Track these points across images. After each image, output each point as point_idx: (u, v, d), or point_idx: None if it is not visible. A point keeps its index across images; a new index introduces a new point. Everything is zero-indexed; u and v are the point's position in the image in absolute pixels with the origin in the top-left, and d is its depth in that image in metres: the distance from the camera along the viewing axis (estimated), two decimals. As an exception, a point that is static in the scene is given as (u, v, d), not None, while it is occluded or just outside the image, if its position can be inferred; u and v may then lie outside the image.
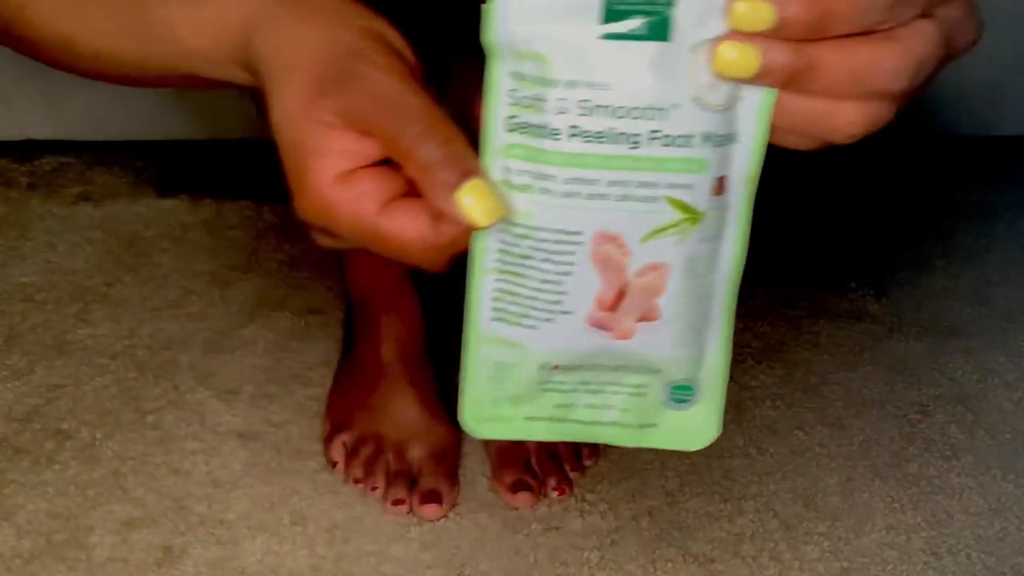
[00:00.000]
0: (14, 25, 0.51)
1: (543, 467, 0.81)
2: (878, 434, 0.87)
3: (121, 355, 0.90)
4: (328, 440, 0.83)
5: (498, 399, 0.42)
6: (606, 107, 0.36)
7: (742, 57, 0.35)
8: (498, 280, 0.40)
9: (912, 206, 1.11)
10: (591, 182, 0.37)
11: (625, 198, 0.37)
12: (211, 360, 0.90)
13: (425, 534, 0.78)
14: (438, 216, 0.37)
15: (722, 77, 0.35)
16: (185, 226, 1.04)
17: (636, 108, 0.36)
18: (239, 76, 0.43)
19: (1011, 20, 1.02)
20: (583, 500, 0.81)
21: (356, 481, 0.80)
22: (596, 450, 0.84)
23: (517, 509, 0.80)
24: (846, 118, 0.37)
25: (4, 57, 1.00)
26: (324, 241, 0.42)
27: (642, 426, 0.43)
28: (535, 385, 0.42)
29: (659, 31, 0.35)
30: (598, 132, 0.36)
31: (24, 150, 1.11)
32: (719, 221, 0.39)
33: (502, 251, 0.39)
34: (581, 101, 0.36)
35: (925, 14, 0.37)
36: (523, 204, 0.38)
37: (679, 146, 0.36)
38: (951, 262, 1.04)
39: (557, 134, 0.36)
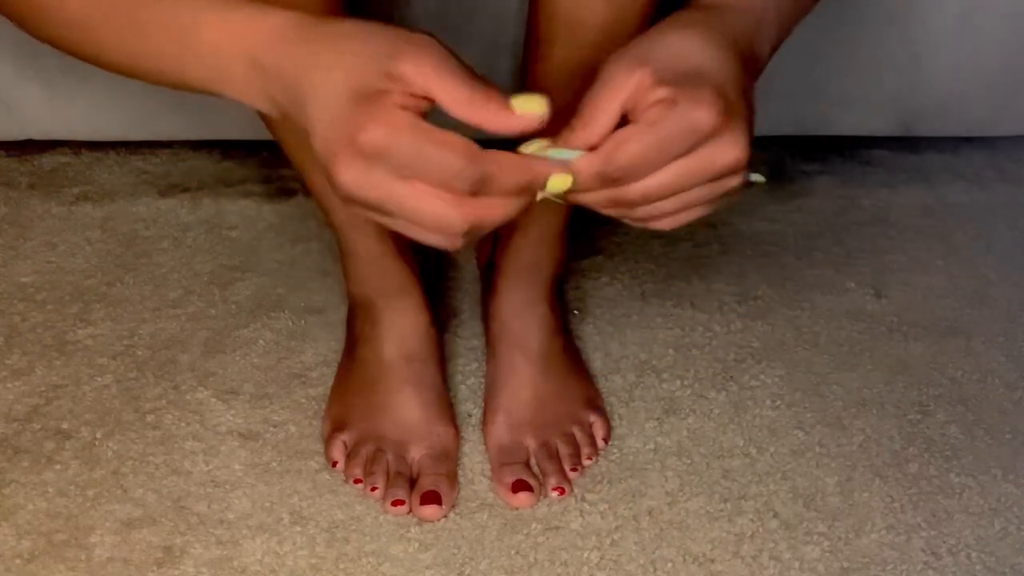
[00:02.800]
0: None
1: (543, 467, 0.81)
2: (878, 434, 0.87)
3: (121, 355, 0.90)
4: (328, 439, 0.83)
5: None
6: None
7: None
8: None
9: (912, 206, 1.11)
10: None
11: None
12: (211, 360, 0.90)
13: (425, 534, 0.78)
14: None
15: None
16: (185, 226, 1.04)
17: None
18: (240, 74, 0.53)
19: (1011, 20, 1.02)
20: (583, 500, 0.81)
21: (356, 481, 0.80)
22: (596, 450, 0.84)
23: (517, 509, 0.80)
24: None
25: (4, 57, 1.00)
26: (360, 212, 0.52)
27: None
28: None
29: None
30: None
31: (24, 150, 1.11)
32: None
33: None
34: None
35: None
36: None
37: None
38: (951, 262, 1.04)
39: None
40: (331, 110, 0.50)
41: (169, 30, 0.54)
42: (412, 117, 0.49)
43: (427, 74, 0.49)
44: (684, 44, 0.52)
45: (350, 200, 0.51)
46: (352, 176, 0.49)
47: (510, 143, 0.52)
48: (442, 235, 0.51)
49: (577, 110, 0.52)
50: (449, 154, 0.49)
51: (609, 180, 0.51)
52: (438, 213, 0.50)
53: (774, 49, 0.59)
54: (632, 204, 0.53)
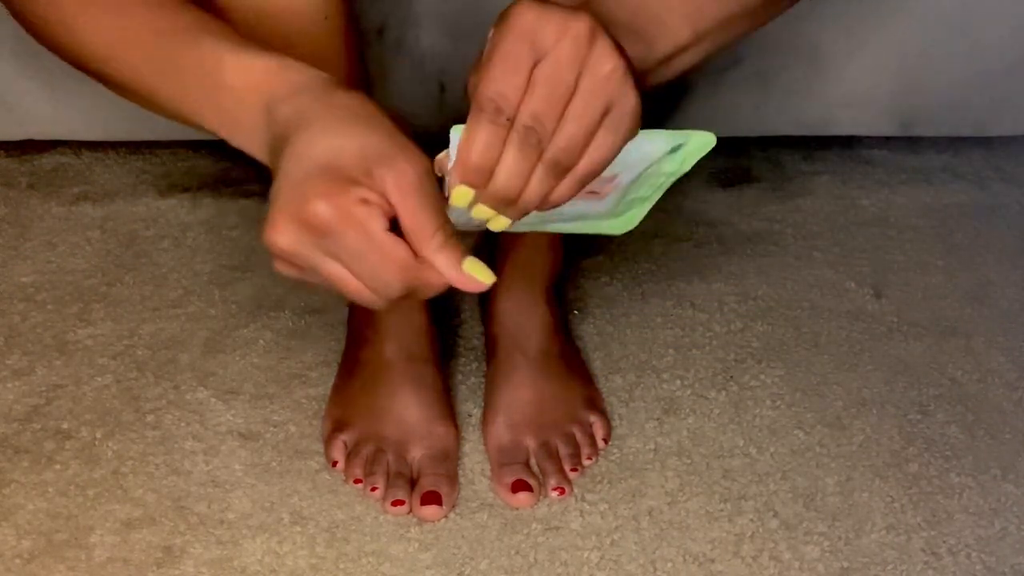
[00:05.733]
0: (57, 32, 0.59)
1: (543, 467, 0.81)
2: (878, 434, 0.87)
3: (121, 355, 0.90)
4: (328, 439, 0.83)
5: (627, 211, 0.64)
6: None
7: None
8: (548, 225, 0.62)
9: (912, 206, 1.11)
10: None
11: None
12: (211, 360, 0.90)
13: (425, 534, 0.78)
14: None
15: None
16: (185, 226, 1.04)
17: None
18: (250, 124, 0.54)
19: (1011, 20, 1.02)
20: (583, 500, 0.81)
21: (356, 481, 0.80)
22: (596, 450, 0.84)
23: (517, 509, 0.80)
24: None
25: (4, 57, 1.00)
26: (286, 271, 0.52)
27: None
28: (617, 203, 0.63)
29: None
30: None
31: (24, 150, 1.11)
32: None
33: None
34: None
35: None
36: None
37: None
38: (951, 262, 1.04)
39: None
40: (298, 169, 0.49)
41: (191, 69, 0.55)
42: (367, 217, 0.49)
43: (404, 192, 0.49)
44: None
45: (276, 257, 0.51)
46: (285, 241, 0.49)
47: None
48: (371, 301, 0.51)
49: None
50: (387, 266, 0.49)
51: (492, 113, 0.51)
52: (366, 299, 0.51)
53: (693, 44, 0.59)
54: (522, 127, 0.51)
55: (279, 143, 0.52)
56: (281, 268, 0.52)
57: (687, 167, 0.61)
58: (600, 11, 0.54)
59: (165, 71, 0.56)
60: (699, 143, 0.59)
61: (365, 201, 0.48)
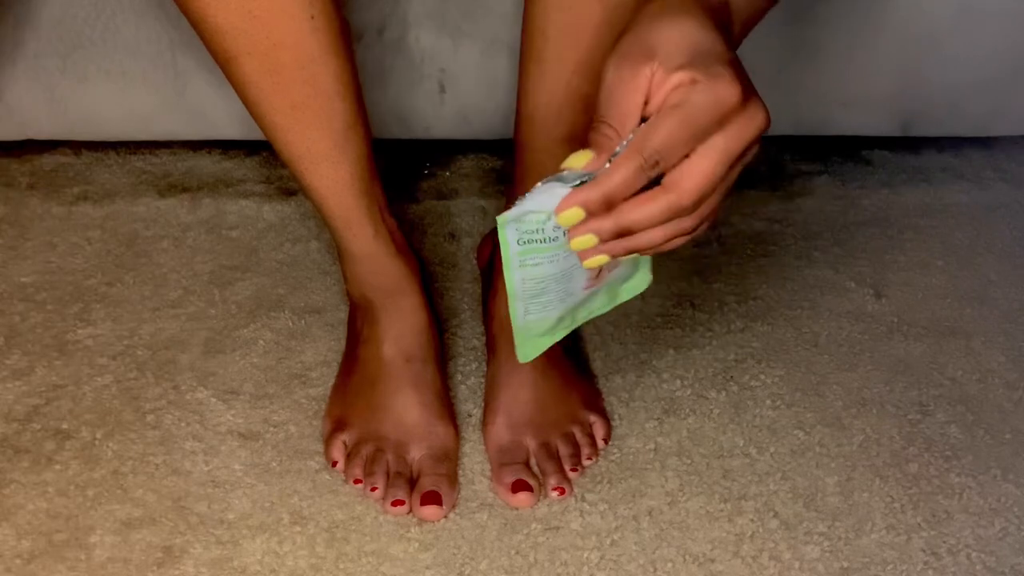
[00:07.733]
0: None
1: (543, 467, 0.81)
2: (878, 434, 0.87)
3: (121, 355, 0.90)
4: (328, 439, 0.83)
5: (539, 338, 0.66)
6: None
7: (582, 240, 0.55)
8: (528, 301, 0.62)
9: (912, 206, 1.11)
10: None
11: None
12: (211, 360, 0.90)
13: (425, 534, 0.78)
14: None
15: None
16: (185, 226, 1.04)
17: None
18: None
19: (1010, 20, 1.02)
20: (583, 500, 0.81)
21: (356, 481, 0.80)
22: (596, 450, 0.84)
23: (517, 509, 0.80)
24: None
25: (3, 57, 1.00)
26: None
27: (610, 299, 0.67)
28: (556, 323, 0.65)
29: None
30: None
31: (24, 150, 1.11)
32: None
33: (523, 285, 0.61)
34: None
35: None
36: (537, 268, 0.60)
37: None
38: (951, 262, 1.04)
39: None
40: None
41: None
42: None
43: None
44: (680, 30, 0.52)
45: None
46: None
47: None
48: None
49: (595, 120, 0.53)
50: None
51: (648, 167, 0.52)
52: None
53: (742, 34, 0.59)
54: (689, 208, 0.53)
55: None
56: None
57: (606, 308, 0.67)
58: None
59: None
60: (637, 284, 0.66)
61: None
